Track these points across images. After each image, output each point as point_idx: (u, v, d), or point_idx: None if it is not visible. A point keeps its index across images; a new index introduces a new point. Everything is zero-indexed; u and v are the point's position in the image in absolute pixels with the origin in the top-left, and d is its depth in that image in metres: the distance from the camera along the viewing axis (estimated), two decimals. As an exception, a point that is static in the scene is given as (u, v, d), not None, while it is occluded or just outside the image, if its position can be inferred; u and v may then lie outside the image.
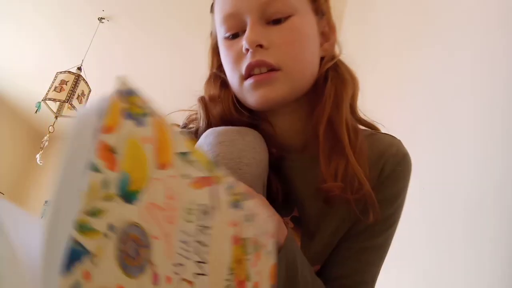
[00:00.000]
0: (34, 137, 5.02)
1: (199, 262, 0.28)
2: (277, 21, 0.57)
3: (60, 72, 2.80)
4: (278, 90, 0.56)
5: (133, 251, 0.25)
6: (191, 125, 0.66)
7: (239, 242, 0.31)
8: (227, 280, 0.30)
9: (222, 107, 0.61)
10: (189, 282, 0.28)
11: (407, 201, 0.61)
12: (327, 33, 0.63)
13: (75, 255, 0.22)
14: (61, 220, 0.23)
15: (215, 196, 0.29)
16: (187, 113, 0.68)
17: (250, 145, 0.52)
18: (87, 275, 0.22)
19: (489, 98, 0.79)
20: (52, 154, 4.90)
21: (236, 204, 0.30)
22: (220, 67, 0.66)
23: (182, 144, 0.26)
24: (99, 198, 0.23)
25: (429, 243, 0.92)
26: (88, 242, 0.22)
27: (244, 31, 0.57)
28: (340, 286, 0.59)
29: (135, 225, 0.26)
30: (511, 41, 0.74)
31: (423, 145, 1.07)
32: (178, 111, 0.69)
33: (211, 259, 0.29)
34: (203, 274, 0.28)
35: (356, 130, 0.59)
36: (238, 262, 0.31)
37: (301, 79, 0.58)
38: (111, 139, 0.24)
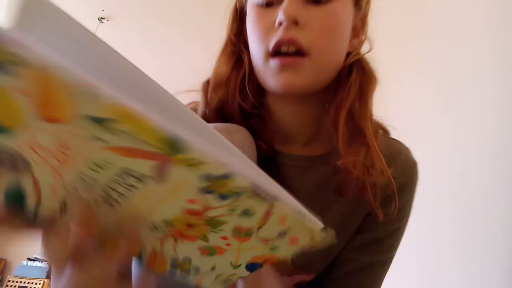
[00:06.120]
0: (34, 137, 5.02)
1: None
2: (317, 1, 0.52)
3: (60, 72, 2.80)
4: (303, 77, 0.52)
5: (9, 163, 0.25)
6: None
7: (199, 215, 0.28)
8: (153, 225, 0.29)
9: (226, 91, 0.57)
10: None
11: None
12: (358, 29, 0.60)
13: None
14: None
15: (163, 172, 0.25)
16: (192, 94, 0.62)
17: (237, 144, 0.49)
18: None
19: (490, 97, 0.79)
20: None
21: (209, 191, 0.26)
22: (238, 34, 0.61)
23: (94, 108, 0.21)
24: None
25: (429, 246, 0.92)
26: None
27: (279, 2, 0.53)
28: None
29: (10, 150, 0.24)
30: (510, 38, 0.74)
31: (423, 145, 1.07)
32: (183, 91, 0.61)
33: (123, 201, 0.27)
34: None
35: (377, 129, 0.57)
36: (185, 224, 0.29)
37: (327, 70, 0.55)
38: None
